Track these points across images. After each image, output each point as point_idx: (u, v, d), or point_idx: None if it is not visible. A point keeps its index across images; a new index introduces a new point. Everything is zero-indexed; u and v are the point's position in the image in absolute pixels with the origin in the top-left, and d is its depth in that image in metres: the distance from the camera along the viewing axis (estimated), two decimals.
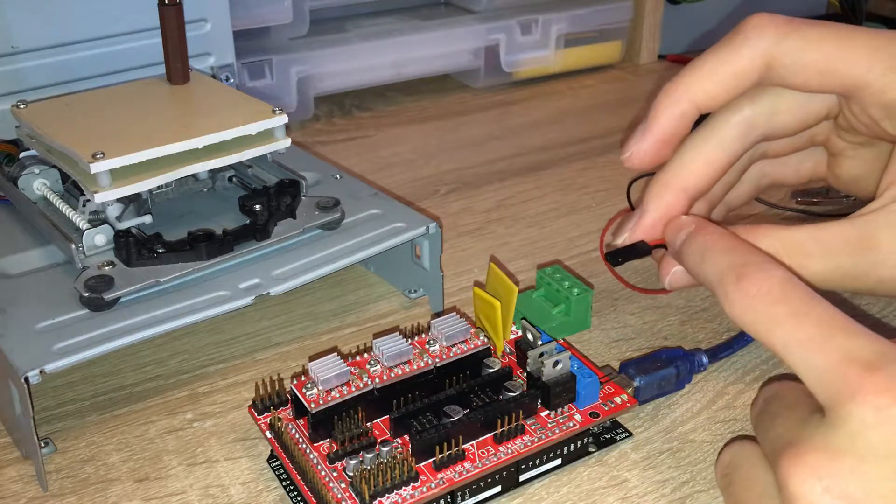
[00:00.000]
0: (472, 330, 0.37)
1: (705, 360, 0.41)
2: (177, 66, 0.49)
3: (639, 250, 0.39)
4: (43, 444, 0.37)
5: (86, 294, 0.38)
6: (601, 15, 0.81)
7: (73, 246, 0.40)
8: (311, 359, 0.35)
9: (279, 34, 0.69)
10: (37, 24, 0.52)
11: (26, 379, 0.34)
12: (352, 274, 0.50)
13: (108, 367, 0.42)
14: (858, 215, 0.33)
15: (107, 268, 0.40)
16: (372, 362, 0.35)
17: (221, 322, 0.45)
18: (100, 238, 0.41)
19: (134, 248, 0.40)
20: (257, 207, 0.43)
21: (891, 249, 0.32)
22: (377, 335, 0.37)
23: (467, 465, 0.33)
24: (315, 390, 0.34)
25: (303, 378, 0.35)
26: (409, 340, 0.37)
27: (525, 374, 0.37)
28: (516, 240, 0.54)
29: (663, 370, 0.39)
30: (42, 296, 0.39)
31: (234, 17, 0.60)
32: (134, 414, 0.40)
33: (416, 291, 0.48)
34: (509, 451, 0.34)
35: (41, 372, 0.34)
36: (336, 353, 0.35)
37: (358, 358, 0.36)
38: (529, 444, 0.34)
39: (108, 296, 0.38)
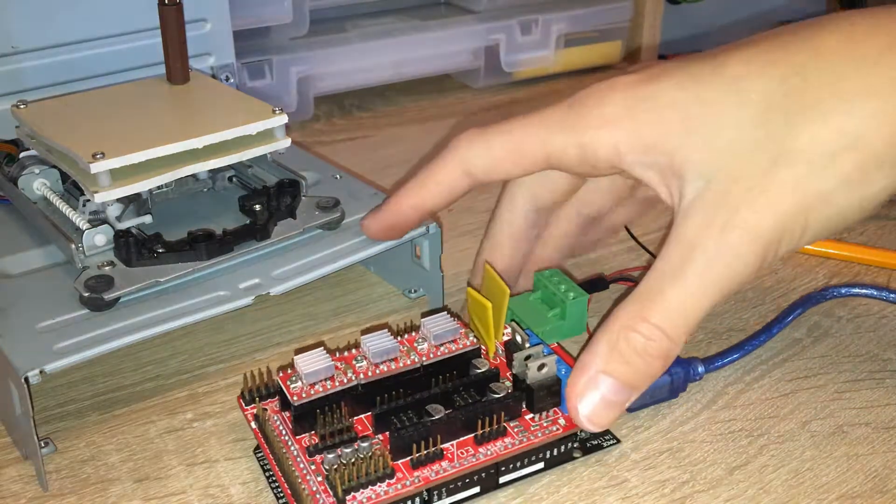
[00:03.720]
0: (462, 330, 0.37)
1: (701, 369, 0.40)
2: (177, 66, 0.49)
3: (598, 285, 0.48)
4: (43, 444, 0.37)
5: (86, 294, 0.38)
6: (601, 15, 0.81)
7: (73, 246, 0.40)
8: (297, 352, 0.35)
9: (279, 34, 0.69)
10: (37, 24, 0.52)
11: (26, 379, 0.34)
12: (352, 274, 0.50)
13: (108, 367, 0.42)
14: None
15: (107, 268, 0.40)
16: (359, 358, 0.36)
17: (221, 322, 0.45)
18: (100, 238, 0.41)
19: (134, 248, 0.40)
20: (257, 207, 0.43)
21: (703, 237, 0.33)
22: (365, 331, 0.37)
23: (445, 464, 0.33)
24: (299, 383, 0.34)
25: (289, 371, 0.35)
26: (399, 338, 0.37)
27: (512, 376, 0.37)
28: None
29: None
30: (42, 296, 0.39)
31: (234, 17, 0.60)
32: (134, 414, 0.40)
33: (416, 291, 0.48)
34: (489, 452, 0.34)
35: (41, 372, 0.34)
36: (323, 348, 0.35)
37: (346, 353, 0.37)
38: (510, 446, 0.34)
39: (108, 296, 0.38)
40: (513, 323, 0.38)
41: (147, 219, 0.42)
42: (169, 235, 0.41)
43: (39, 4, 0.52)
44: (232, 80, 0.60)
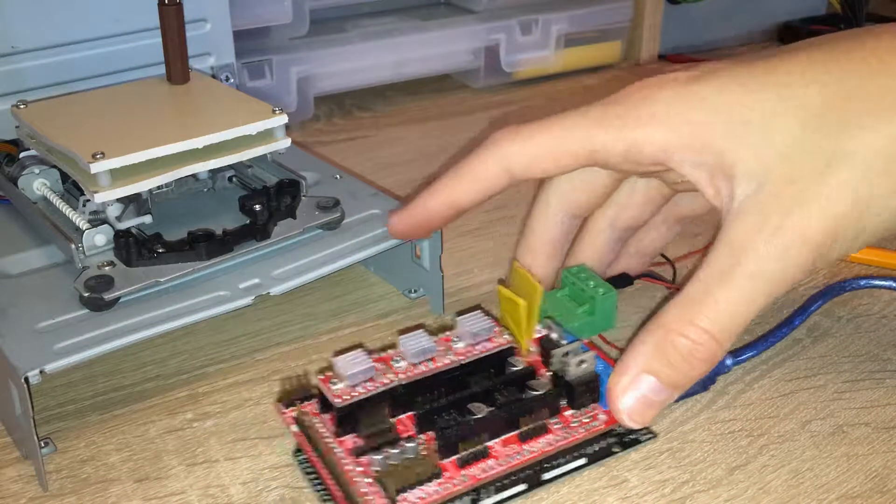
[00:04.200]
0: (497, 328, 0.37)
1: (729, 361, 0.41)
2: (177, 66, 0.49)
3: (623, 281, 0.47)
4: (43, 444, 0.37)
5: (86, 294, 0.38)
6: (601, 15, 0.81)
7: (73, 246, 0.40)
8: (337, 354, 0.35)
9: (279, 34, 0.69)
10: (37, 24, 0.52)
11: (26, 379, 0.34)
12: (352, 274, 0.50)
13: (108, 367, 0.42)
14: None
15: (107, 268, 0.40)
16: (397, 358, 0.36)
17: (221, 322, 0.45)
18: (100, 238, 0.41)
19: (134, 248, 0.40)
20: (257, 207, 0.43)
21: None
22: (402, 332, 0.37)
23: (491, 462, 0.33)
24: (341, 385, 0.34)
25: (329, 373, 0.35)
26: (434, 338, 0.37)
27: (549, 373, 0.37)
28: (516, 240, 0.54)
29: None
30: (42, 296, 0.39)
31: (234, 17, 0.60)
32: (134, 414, 0.40)
33: (416, 291, 0.48)
34: (533, 449, 0.34)
35: (41, 372, 0.34)
36: (362, 349, 0.35)
37: (383, 354, 0.36)
38: (553, 443, 0.34)
39: (108, 296, 0.38)
40: (547, 319, 0.38)
41: (147, 219, 0.42)
42: (169, 235, 0.41)
43: (39, 4, 0.52)
44: (232, 80, 0.60)
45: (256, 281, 0.40)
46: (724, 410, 0.39)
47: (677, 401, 0.39)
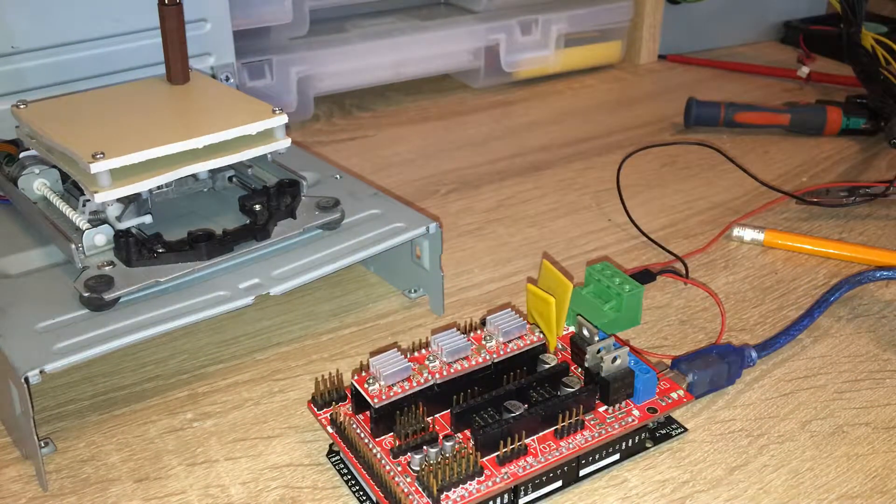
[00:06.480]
0: (528, 326, 0.37)
1: (754, 355, 0.41)
2: (177, 66, 0.49)
3: (646, 277, 0.47)
4: (43, 444, 0.37)
5: (86, 294, 0.38)
6: (601, 15, 0.81)
7: (73, 246, 0.40)
8: (372, 354, 0.35)
9: (279, 34, 0.69)
10: (37, 24, 0.52)
11: (26, 379, 0.34)
12: (352, 274, 0.50)
13: (108, 367, 0.42)
14: None
15: (107, 268, 0.40)
16: (430, 358, 0.36)
17: (221, 322, 0.45)
18: (100, 238, 0.41)
19: (134, 248, 0.40)
20: (257, 207, 0.43)
21: None
22: (435, 331, 0.37)
23: (530, 459, 0.33)
24: (377, 385, 0.34)
25: (363, 374, 0.35)
26: (466, 336, 0.37)
27: (581, 370, 0.37)
28: (516, 240, 0.54)
29: (715, 366, 0.39)
30: (42, 296, 0.39)
31: (234, 17, 0.60)
32: (134, 414, 0.40)
33: (416, 291, 0.48)
34: (570, 445, 0.34)
35: (41, 372, 0.34)
36: (396, 349, 0.36)
37: (416, 353, 0.37)
38: (590, 439, 0.35)
39: (108, 296, 0.38)
40: (579, 317, 0.38)
41: (147, 219, 0.42)
42: (169, 235, 0.41)
43: (39, 4, 0.52)
44: (232, 80, 0.60)
45: (256, 281, 0.40)
46: (724, 410, 0.39)
47: (704, 395, 0.40)
